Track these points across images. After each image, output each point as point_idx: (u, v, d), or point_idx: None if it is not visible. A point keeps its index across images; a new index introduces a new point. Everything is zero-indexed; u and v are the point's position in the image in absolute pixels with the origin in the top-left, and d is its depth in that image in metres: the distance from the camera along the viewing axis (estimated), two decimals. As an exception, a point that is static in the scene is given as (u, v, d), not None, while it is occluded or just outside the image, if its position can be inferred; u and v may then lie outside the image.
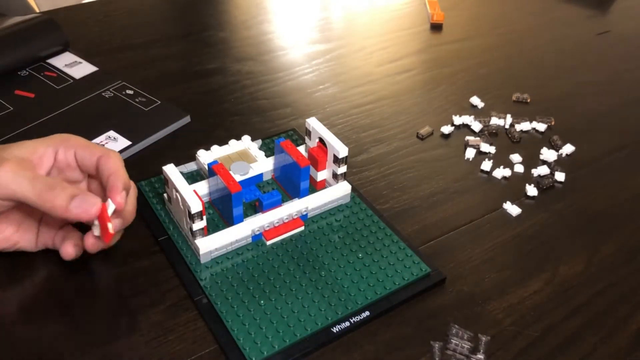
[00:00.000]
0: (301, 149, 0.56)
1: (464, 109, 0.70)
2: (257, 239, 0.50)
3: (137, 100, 0.66)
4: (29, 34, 0.70)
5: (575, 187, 0.60)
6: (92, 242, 0.44)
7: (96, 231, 0.43)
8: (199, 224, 0.46)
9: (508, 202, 0.57)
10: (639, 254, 0.53)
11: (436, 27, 0.88)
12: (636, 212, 0.58)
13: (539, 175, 0.61)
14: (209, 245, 0.47)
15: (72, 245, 0.45)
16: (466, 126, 0.67)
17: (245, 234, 0.49)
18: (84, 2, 0.92)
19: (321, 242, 0.50)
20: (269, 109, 0.68)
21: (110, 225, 0.42)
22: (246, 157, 0.56)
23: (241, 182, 0.53)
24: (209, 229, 0.49)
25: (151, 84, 0.69)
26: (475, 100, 0.71)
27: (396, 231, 0.52)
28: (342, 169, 0.52)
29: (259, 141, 0.60)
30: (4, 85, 0.67)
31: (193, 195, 0.45)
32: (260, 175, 0.55)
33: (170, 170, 0.47)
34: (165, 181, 0.49)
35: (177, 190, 0.46)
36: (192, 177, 0.55)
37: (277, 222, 0.50)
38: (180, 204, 0.47)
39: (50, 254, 0.48)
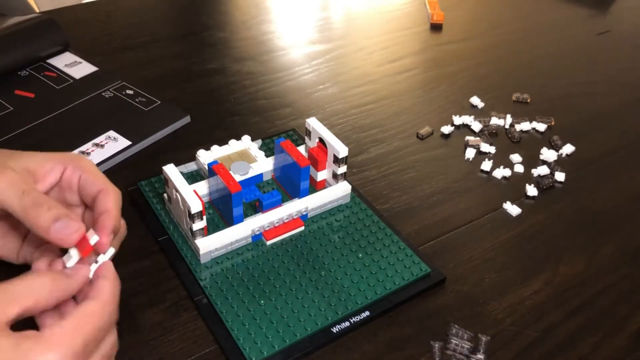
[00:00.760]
0: (301, 149, 0.56)
1: (464, 109, 0.70)
2: (257, 239, 0.50)
3: (137, 100, 0.66)
4: (29, 34, 0.70)
5: (575, 187, 0.60)
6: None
7: (68, 261, 0.39)
8: (199, 224, 0.46)
9: (508, 202, 0.57)
10: (639, 254, 0.53)
11: (436, 27, 0.88)
12: (636, 212, 0.58)
13: (539, 175, 0.61)
14: (209, 245, 0.47)
15: (46, 265, 0.41)
16: (466, 126, 0.67)
17: (245, 234, 0.49)
18: (84, 2, 0.92)
19: (321, 242, 0.50)
20: (269, 109, 0.68)
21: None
22: (246, 157, 0.56)
23: (241, 182, 0.53)
24: (209, 229, 0.49)
25: (151, 84, 0.69)
26: (475, 100, 0.71)
27: (396, 231, 0.52)
28: (342, 169, 0.52)
29: (259, 141, 0.60)
30: (4, 85, 0.67)
31: (193, 195, 0.45)
32: (260, 175, 0.55)
33: (170, 170, 0.47)
34: (165, 181, 0.49)
35: (177, 190, 0.46)
36: (192, 177, 0.55)
37: (277, 222, 0.50)
38: (180, 204, 0.47)
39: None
